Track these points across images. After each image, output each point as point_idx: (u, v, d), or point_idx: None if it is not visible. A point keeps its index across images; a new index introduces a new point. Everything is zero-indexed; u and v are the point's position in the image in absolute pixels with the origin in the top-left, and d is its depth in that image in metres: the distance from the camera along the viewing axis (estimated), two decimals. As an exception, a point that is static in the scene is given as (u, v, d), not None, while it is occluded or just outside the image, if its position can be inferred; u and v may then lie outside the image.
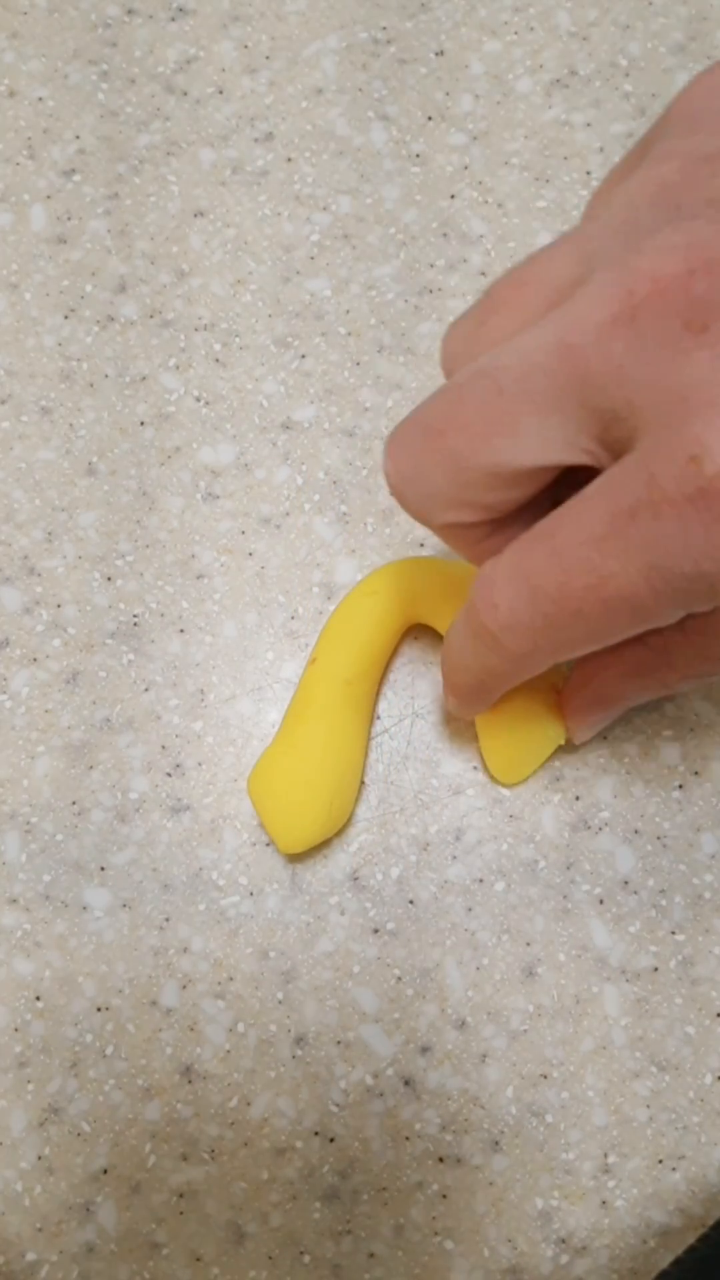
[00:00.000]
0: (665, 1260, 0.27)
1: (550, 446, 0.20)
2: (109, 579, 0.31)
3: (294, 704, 0.29)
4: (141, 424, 0.33)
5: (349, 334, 0.34)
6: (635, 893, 0.29)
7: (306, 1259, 0.27)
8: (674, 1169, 0.28)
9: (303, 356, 0.33)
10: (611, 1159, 0.28)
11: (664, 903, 0.29)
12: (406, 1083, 0.28)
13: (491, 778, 0.30)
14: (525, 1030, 0.28)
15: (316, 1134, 0.28)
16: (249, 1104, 0.28)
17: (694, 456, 0.17)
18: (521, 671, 0.23)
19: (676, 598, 0.19)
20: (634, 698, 0.27)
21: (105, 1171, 0.28)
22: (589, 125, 0.35)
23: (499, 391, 0.20)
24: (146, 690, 0.31)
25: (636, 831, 0.29)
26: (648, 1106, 0.28)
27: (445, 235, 0.34)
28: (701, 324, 0.18)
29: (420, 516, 0.23)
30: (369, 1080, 0.28)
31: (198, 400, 0.33)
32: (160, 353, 0.33)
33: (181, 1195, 0.28)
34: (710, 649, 0.24)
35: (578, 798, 0.30)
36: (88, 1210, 0.27)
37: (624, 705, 0.27)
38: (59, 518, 0.32)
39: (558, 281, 0.20)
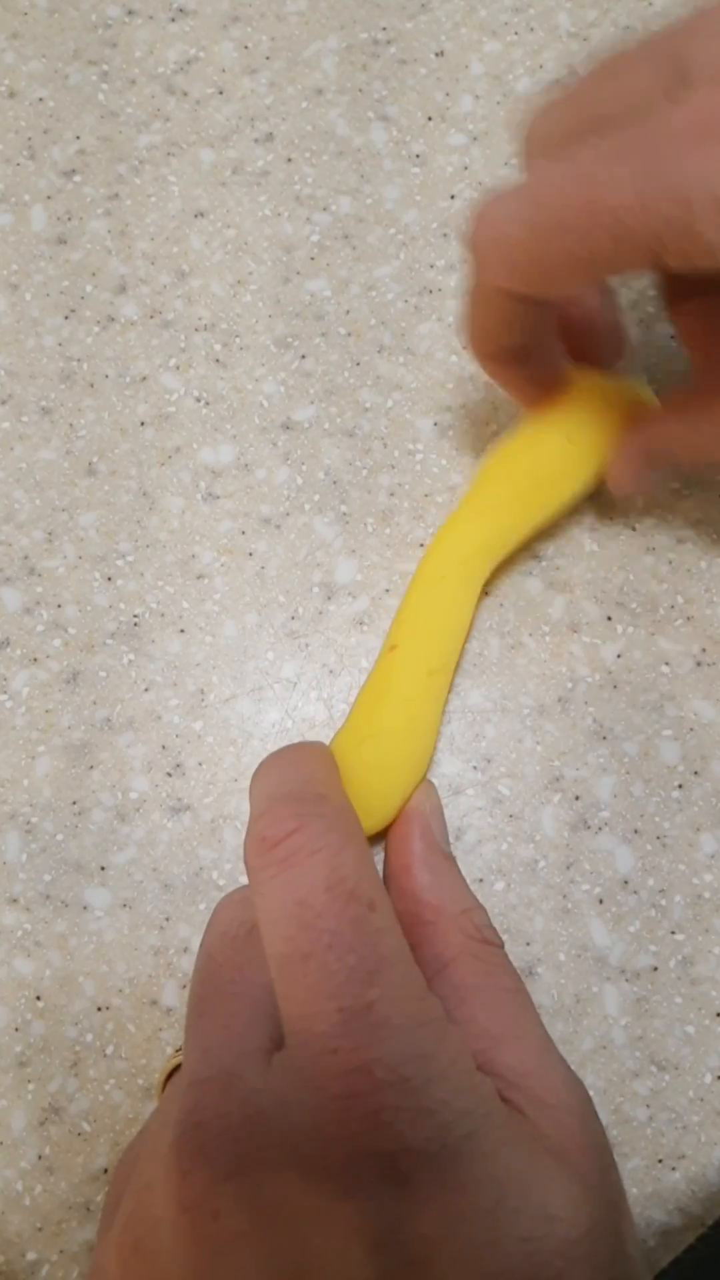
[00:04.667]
0: (665, 1260, 0.27)
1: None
2: (109, 579, 0.31)
3: (371, 689, 0.29)
4: (142, 424, 0.33)
5: (349, 334, 0.34)
6: (635, 892, 0.29)
7: (306, 1258, 0.27)
8: (674, 1168, 0.28)
9: (303, 357, 0.33)
10: (611, 1158, 0.28)
11: (664, 902, 0.29)
12: (406, 1082, 0.28)
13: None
14: (525, 1030, 0.28)
15: (316, 1133, 0.28)
16: (249, 1103, 0.28)
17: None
18: (504, 307, 0.25)
19: (657, 222, 0.21)
20: (679, 453, 0.28)
21: (105, 1171, 0.28)
22: (589, 125, 0.35)
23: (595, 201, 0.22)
24: (146, 690, 0.31)
25: (636, 831, 0.29)
26: (647, 1106, 0.28)
27: (445, 235, 0.34)
28: None
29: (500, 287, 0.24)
30: (369, 1080, 0.28)
31: (198, 400, 0.33)
32: (160, 353, 0.33)
33: (181, 1195, 0.28)
34: None
35: (577, 798, 0.30)
36: (88, 1210, 0.27)
37: (667, 460, 0.29)
38: (59, 518, 0.32)
39: (644, 85, 0.23)
